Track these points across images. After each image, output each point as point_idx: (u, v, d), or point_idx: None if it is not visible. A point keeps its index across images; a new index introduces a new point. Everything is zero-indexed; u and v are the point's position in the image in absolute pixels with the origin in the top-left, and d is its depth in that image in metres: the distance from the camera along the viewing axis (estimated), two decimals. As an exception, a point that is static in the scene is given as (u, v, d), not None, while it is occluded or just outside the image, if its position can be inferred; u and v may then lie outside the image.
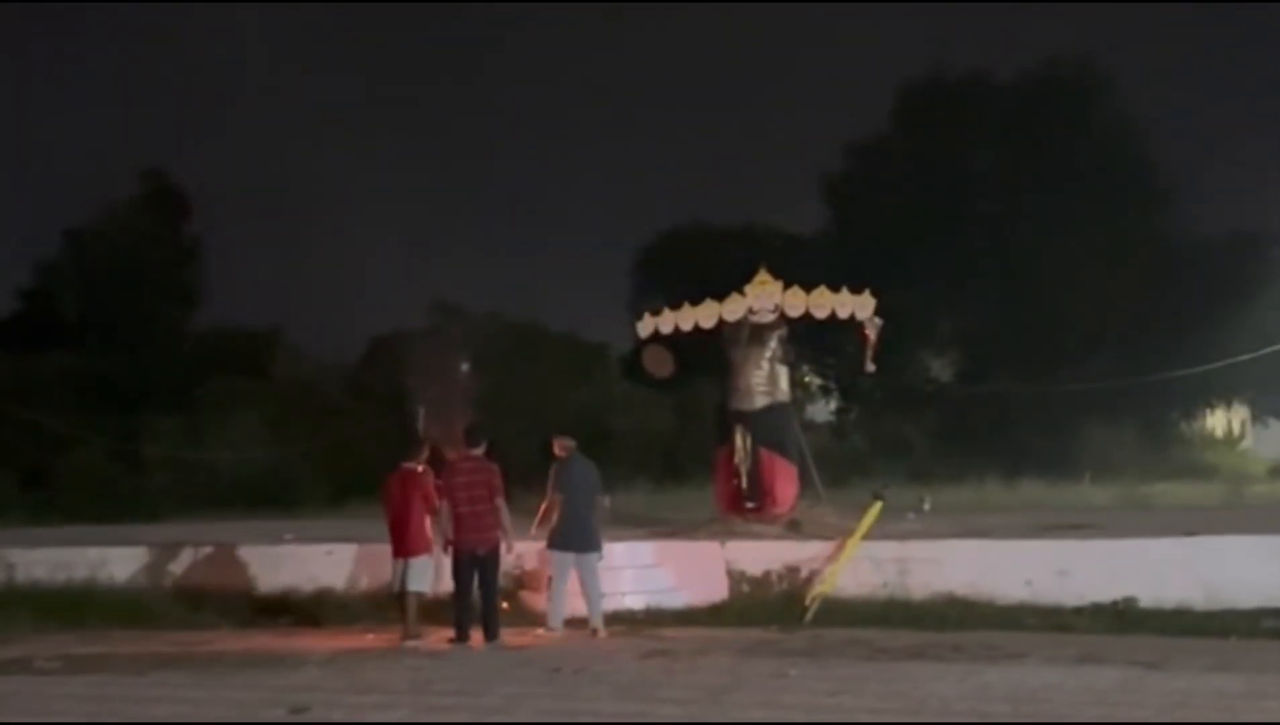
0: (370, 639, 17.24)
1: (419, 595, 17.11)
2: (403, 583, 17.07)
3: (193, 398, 43.85)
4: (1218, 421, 55.06)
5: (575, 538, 17.32)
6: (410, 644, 16.60)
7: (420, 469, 17.41)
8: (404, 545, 17.15)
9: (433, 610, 17.39)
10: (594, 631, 17.07)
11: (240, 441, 40.29)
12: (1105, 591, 17.49)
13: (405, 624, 16.96)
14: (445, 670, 14.68)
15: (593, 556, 17.41)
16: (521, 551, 17.78)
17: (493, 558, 16.80)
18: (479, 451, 17.21)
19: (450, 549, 16.79)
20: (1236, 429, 55.42)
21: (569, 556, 17.27)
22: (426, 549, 17.12)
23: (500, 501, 16.81)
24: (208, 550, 21.74)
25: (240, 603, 20.17)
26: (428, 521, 17.09)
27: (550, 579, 17.45)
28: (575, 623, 17.38)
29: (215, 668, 15.24)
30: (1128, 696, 12.13)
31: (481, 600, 16.70)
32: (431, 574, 17.21)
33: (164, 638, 18.01)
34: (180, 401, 42.92)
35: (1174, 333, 45.94)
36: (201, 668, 15.26)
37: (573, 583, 17.38)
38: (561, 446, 17.89)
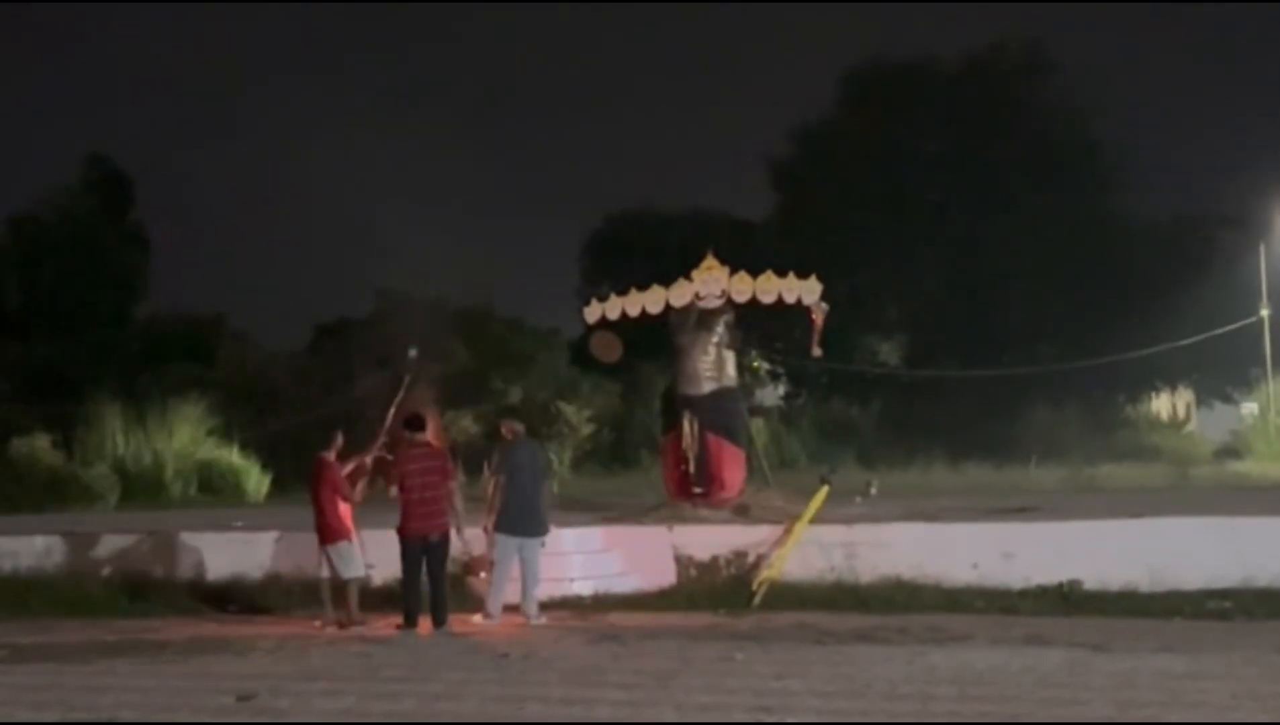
0: (318, 626, 17.19)
1: (357, 581, 17.16)
2: (333, 571, 17.17)
3: (137, 385, 43.56)
4: (1163, 404, 55.45)
5: (521, 521, 17.20)
6: (355, 630, 16.64)
7: (332, 458, 17.46)
8: (321, 533, 17.27)
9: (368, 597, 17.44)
10: (526, 618, 17.03)
11: (185, 429, 40.04)
12: (1051, 574, 17.61)
13: (347, 611, 17.00)
14: (393, 657, 14.66)
15: (536, 541, 17.25)
16: (470, 537, 17.75)
17: (443, 544, 16.78)
18: (426, 437, 17.24)
19: (399, 535, 16.79)
20: (1181, 412, 55.82)
21: (514, 541, 17.05)
22: (345, 535, 17.19)
23: (452, 486, 16.82)
24: (154, 538, 21.61)
25: (187, 590, 20.09)
26: (344, 509, 17.19)
27: (492, 564, 17.34)
28: (513, 609, 17.38)
29: (162, 655, 15.18)
30: (1073, 678, 12.22)
31: (430, 587, 16.67)
32: (359, 559, 17.28)
33: (110, 626, 17.88)
34: (124, 389, 42.62)
35: (1119, 316, 46.26)
36: (148, 656, 15.19)
37: (515, 568, 17.34)
38: (509, 429, 17.84)
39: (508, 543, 17.04)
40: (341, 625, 16.89)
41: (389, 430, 18.16)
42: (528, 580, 17.16)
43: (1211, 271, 45.80)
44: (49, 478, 37.16)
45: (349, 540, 17.21)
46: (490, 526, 17.10)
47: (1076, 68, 66.25)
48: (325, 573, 17.35)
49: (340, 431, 18.03)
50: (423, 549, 16.63)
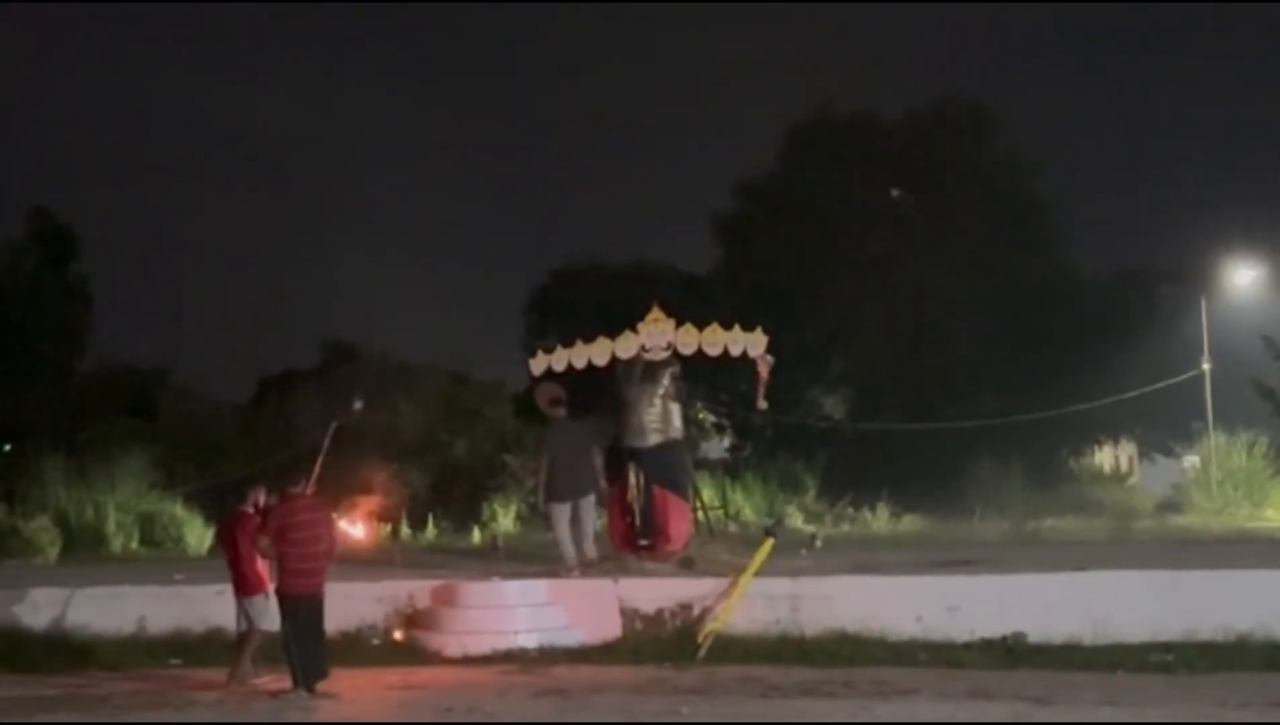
0: (262, 681, 17.05)
1: (262, 636, 17.02)
2: (249, 623, 17.04)
3: (79, 439, 43.27)
4: (1105, 458, 55.68)
5: (567, 488, 21.42)
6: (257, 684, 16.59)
7: (250, 511, 17.40)
8: (237, 585, 17.23)
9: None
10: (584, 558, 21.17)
11: (127, 483, 39.77)
12: (995, 627, 17.63)
13: (249, 665, 16.94)
14: (337, 712, 14.57)
15: (583, 501, 21.54)
16: (413, 590, 17.71)
17: (319, 600, 16.47)
18: (307, 492, 17.10)
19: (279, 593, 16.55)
20: (1124, 465, 56.07)
21: (565, 506, 21.41)
22: (261, 589, 17.05)
23: (332, 545, 16.68)
24: (94, 591, 21.44)
25: (128, 644, 19.91)
26: (259, 562, 17.03)
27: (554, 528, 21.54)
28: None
29: (103, 710, 15.07)
30: (1017, 731, 12.24)
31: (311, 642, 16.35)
32: (272, 613, 17.00)
33: (50, 681, 17.75)
34: (66, 442, 42.34)
35: (1062, 369, 46.49)
36: (89, 711, 15.09)
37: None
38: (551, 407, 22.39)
39: (561, 508, 21.59)
40: (243, 682, 16.74)
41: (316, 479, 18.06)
42: (584, 532, 21.66)
43: (1154, 326, 46.09)
44: (-13, 531, 36.85)
45: (264, 594, 17.05)
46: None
47: (1019, 125, 66.88)
48: (242, 626, 17.22)
49: (261, 487, 17.89)
50: (301, 606, 16.29)
